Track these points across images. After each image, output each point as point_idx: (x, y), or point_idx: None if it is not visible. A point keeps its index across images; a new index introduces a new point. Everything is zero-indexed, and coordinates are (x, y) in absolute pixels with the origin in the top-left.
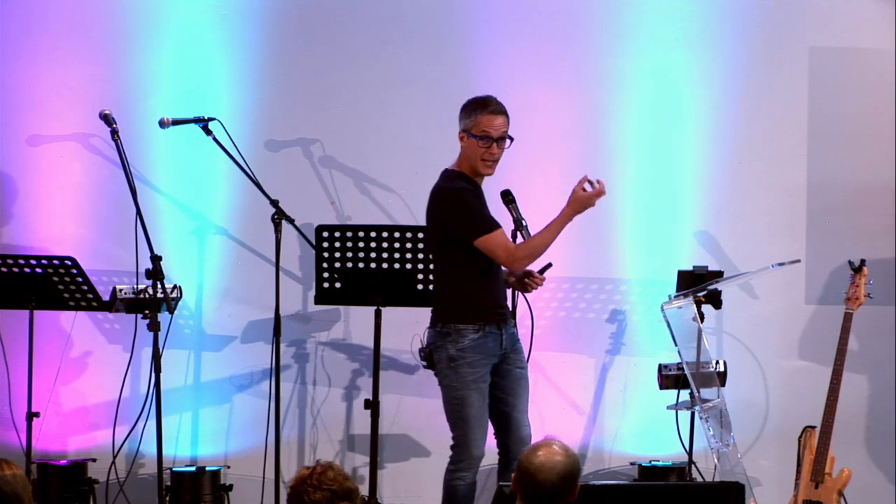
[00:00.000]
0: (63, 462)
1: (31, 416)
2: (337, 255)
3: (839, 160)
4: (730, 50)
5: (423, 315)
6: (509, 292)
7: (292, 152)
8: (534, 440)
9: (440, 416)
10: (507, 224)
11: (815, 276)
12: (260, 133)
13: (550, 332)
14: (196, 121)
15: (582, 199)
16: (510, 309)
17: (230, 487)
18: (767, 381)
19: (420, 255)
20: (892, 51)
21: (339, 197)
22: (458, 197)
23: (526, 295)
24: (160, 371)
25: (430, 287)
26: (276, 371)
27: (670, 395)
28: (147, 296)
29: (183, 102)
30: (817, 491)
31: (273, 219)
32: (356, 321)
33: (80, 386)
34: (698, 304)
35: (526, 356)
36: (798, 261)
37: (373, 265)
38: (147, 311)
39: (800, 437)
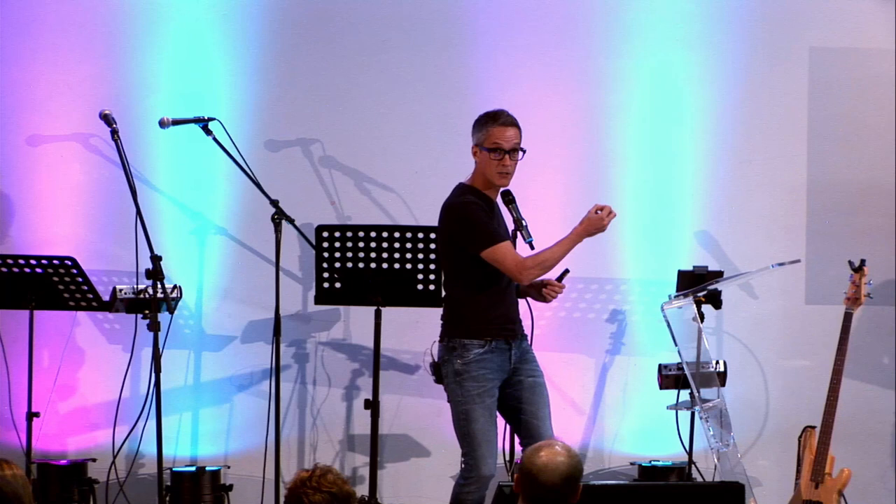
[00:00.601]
0: (63, 462)
1: (31, 416)
2: (337, 255)
3: (839, 160)
4: (730, 50)
5: (424, 315)
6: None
7: (292, 152)
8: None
9: (440, 417)
10: (507, 224)
11: (815, 276)
12: (260, 133)
13: (550, 332)
14: (196, 121)
15: (594, 221)
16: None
17: (230, 487)
18: (767, 381)
19: (420, 255)
20: (892, 51)
21: (339, 197)
22: (465, 210)
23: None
24: (160, 371)
25: (431, 287)
26: (276, 371)
27: (670, 395)
28: (147, 296)
29: (183, 102)
30: (817, 491)
31: (273, 219)
32: (356, 321)
33: (80, 386)
34: (698, 304)
35: None
36: (798, 261)
37: (373, 265)
38: (147, 311)
39: (800, 437)
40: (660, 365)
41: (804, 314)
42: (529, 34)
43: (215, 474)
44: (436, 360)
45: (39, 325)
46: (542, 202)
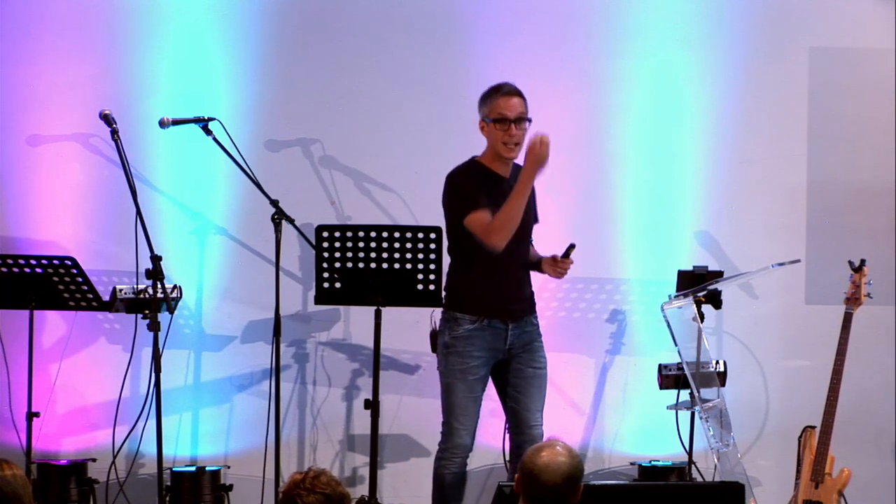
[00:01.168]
0: (63, 462)
1: (31, 416)
2: (337, 255)
3: (839, 160)
4: (730, 50)
5: (424, 315)
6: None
7: (292, 152)
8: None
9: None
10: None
11: (815, 276)
12: (260, 133)
13: (550, 332)
14: (196, 121)
15: (537, 154)
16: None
17: (230, 487)
18: (767, 381)
19: (420, 255)
20: (892, 51)
21: (339, 197)
22: (451, 180)
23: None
24: (160, 371)
25: (431, 287)
26: (276, 371)
27: (670, 395)
28: (147, 296)
29: (183, 102)
30: (817, 491)
31: (273, 219)
32: (356, 321)
33: (80, 386)
34: (698, 304)
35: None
36: (798, 261)
37: (373, 265)
38: (147, 311)
39: (800, 437)
40: (660, 365)
41: (804, 314)
42: (529, 34)
43: (215, 474)
44: (436, 328)
45: (39, 325)
46: (541, 202)
